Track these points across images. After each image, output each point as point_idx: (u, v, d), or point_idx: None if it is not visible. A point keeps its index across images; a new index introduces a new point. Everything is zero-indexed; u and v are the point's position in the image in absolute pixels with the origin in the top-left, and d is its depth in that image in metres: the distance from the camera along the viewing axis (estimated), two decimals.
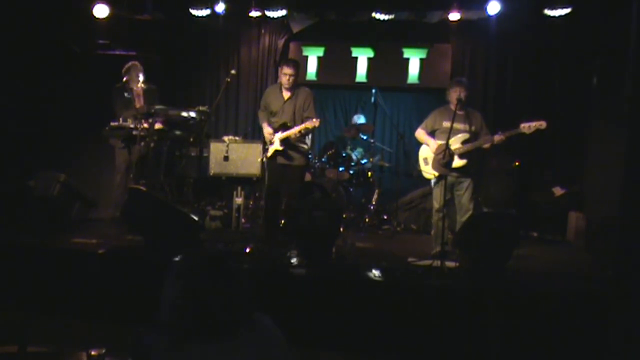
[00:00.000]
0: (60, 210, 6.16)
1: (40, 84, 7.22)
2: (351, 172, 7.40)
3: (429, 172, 5.76)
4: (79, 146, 7.38)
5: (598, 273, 5.25)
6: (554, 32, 7.25)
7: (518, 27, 7.46)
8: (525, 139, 5.55)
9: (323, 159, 7.50)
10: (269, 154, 5.85)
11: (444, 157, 5.44)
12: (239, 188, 6.86)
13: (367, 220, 7.34)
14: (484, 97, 7.82)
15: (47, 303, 4.76)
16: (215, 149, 6.78)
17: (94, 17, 7.15)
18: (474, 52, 8.06)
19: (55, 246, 5.36)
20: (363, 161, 7.59)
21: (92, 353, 2.74)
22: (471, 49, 8.07)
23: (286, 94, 5.86)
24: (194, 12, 7.58)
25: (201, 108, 6.39)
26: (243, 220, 6.86)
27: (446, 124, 5.52)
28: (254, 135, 7.91)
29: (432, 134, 5.78)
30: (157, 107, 6.29)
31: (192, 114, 6.39)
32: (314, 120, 5.61)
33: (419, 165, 5.90)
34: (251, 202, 7.19)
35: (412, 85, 8.42)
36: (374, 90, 7.34)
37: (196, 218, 5.81)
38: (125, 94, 6.55)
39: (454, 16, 7.33)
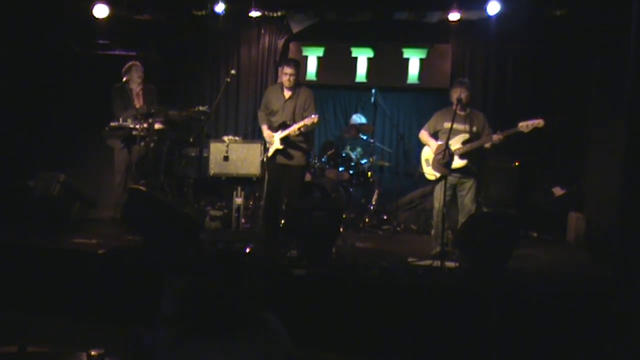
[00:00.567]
0: (60, 210, 6.17)
1: (40, 84, 7.22)
2: (351, 172, 7.40)
3: (430, 173, 5.77)
4: (79, 146, 7.38)
5: (598, 273, 5.26)
6: (554, 32, 7.25)
7: (518, 27, 7.45)
8: (525, 138, 5.55)
9: (323, 159, 7.50)
10: (270, 153, 5.86)
11: (443, 157, 5.44)
12: (239, 188, 6.86)
13: (367, 220, 7.34)
14: (484, 97, 7.81)
15: (47, 303, 4.76)
16: (215, 149, 6.78)
17: (94, 17, 7.15)
18: (474, 52, 8.06)
19: (55, 246, 5.35)
20: (363, 161, 7.59)
21: (92, 353, 2.74)
22: (471, 49, 8.07)
23: (287, 94, 5.87)
24: (194, 12, 7.58)
25: (201, 108, 6.40)
26: (243, 220, 6.86)
27: (447, 125, 5.52)
28: (254, 135, 7.91)
29: (435, 135, 5.79)
30: (157, 107, 6.29)
31: (192, 114, 6.40)
32: (313, 116, 5.62)
33: (421, 167, 5.91)
34: (251, 202, 7.19)
35: (412, 85, 8.41)
36: (373, 91, 7.34)
37: (196, 218, 5.83)
38: (125, 94, 6.55)
39: (454, 16, 7.33)
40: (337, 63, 8.55)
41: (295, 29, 8.30)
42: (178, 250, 5.09)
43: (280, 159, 5.84)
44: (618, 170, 5.17)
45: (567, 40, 7.15)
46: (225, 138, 6.89)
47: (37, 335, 4.03)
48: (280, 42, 8.45)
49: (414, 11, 7.62)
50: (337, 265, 5.16)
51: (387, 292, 4.52)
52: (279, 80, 6.03)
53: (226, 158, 6.73)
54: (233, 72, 6.80)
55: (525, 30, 7.50)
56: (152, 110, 6.15)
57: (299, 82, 6.01)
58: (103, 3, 7.10)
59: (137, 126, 6.13)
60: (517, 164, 7.28)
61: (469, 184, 5.66)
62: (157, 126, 6.24)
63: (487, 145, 5.53)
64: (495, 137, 5.45)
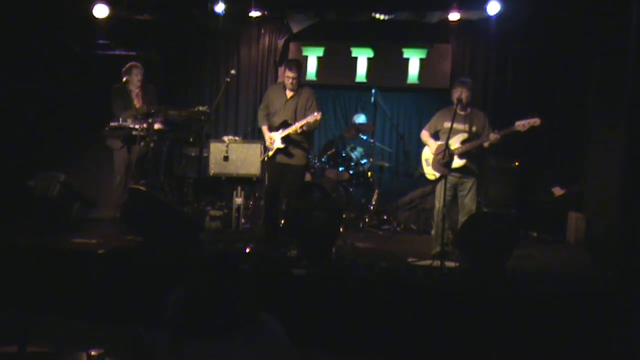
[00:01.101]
0: (60, 210, 6.16)
1: (40, 84, 7.22)
2: (351, 172, 7.40)
3: (430, 173, 5.78)
4: (79, 146, 7.37)
5: (598, 273, 5.25)
6: (553, 32, 7.25)
7: (518, 27, 7.45)
8: (525, 138, 5.55)
9: (323, 159, 7.50)
10: (271, 153, 5.85)
11: (443, 157, 5.45)
12: (239, 188, 6.87)
13: (367, 220, 7.34)
14: (483, 97, 7.81)
15: (47, 303, 4.76)
16: (215, 149, 6.78)
17: (94, 17, 7.15)
18: (474, 52, 8.06)
19: (55, 246, 5.35)
20: (363, 161, 7.59)
21: (92, 353, 2.74)
22: (471, 49, 8.07)
23: (289, 94, 5.88)
24: (194, 12, 7.58)
25: (201, 108, 6.40)
26: (243, 220, 6.86)
27: (447, 125, 5.52)
28: (254, 135, 7.91)
29: (435, 134, 5.79)
30: (157, 107, 6.29)
31: (192, 114, 6.40)
32: (315, 114, 5.61)
33: (421, 168, 5.92)
34: (251, 202, 7.19)
35: (412, 85, 8.41)
36: (373, 91, 7.34)
37: (196, 218, 5.83)
38: (125, 94, 6.55)
39: (454, 16, 7.34)
40: (337, 63, 8.55)
41: (295, 29, 8.29)
42: (178, 250, 5.10)
43: (281, 158, 5.83)
44: (618, 170, 5.17)
45: (567, 40, 7.15)
46: (225, 138, 6.89)
47: (37, 335, 4.04)
48: (280, 42, 8.45)
49: (414, 11, 7.62)
50: (337, 265, 5.16)
51: (387, 292, 4.51)
52: (279, 80, 6.02)
53: (226, 158, 6.73)
54: (233, 72, 6.81)
55: (525, 30, 7.50)
56: (152, 110, 6.15)
57: (301, 83, 6.01)
58: (103, 3, 7.10)
59: (137, 126, 6.13)
60: (517, 164, 7.28)
61: (469, 183, 5.66)
62: (157, 126, 6.24)
63: (486, 144, 5.53)
64: (493, 137, 5.45)
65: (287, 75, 5.79)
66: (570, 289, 4.74)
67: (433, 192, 6.04)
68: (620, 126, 5.27)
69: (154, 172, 6.31)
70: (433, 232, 5.95)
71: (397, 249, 6.10)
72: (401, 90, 8.57)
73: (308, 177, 7.18)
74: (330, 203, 6.55)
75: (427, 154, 5.82)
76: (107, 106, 6.56)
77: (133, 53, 7.32)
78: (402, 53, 8.36)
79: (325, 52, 8.53)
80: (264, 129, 5.97)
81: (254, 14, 7.71)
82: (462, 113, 5.57)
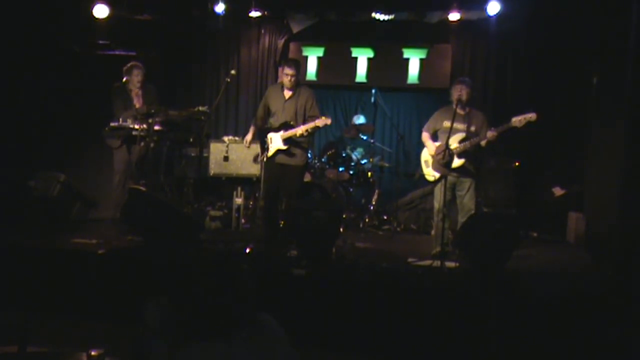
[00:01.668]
0: (60, 210, 6.16)
1: (40, 84, 7.22)
2: (351, 172, 7.40)
3: (429, 174, 5.77)
4: (79, 146, 7.38)
5: (598, 273, 5.25)
6: (554, 32, 7.25)
7: (518, 27, 7.45)
8: (524, 138, 5.55)
9: (323, 159, 7.50)
10: (270, 153, 5.81)
11: (443, 157, 5.44)
12: (239, 188, 6.87)
13: (367, 220, 7.34)
14: (483, 97, 7.81)
15: (47, 303, 4.76)
16: (215, 149, 6.78)
17: (94, 17, 7.15)
18: (474, 52, 8.06)
19: (55, 246, 5.35)
20: (363, 161, 7.59)
21: (92, 353, 2.74)
22: (471, 49, 8.07)
23: (287, 93, 5.85)
24: (194, 12, 7.58)
25: (201, 108, 6.39)
26: (243, 220, 6.86)
27: (446, 124, 5.52)
28: (254, 135, 7.89)
29: (434, 134, 5.79)
30: (157, 107, 6.28)
31: (192, 114, 6.39)
32: (324, 118, 5.57)
33: (420, 169, 5.91)
34: (251, 203, 7.18)
35: (412, 85, 8.41)
36: (374, 91, 7.34)
37: (196, 218, 5.83)
38: (125, 94, 6.54)
39: (454, 16, 7.34)
40: (337, 63, 8.55)
41: (295, 29, 8.30)
42: (178, 250, 5.10)
43: (280, 158, 5.82)
44: (618, 170, 5.17)
45: (567, 40, 7.15)
46: (225, 138, 6.89)
47: (37, 335, 4.03)
48: (280, 42, 8.45)
49: (414, 11, 7.62)
50: (337, 265, 5.16)
51: (387, 292, 4.52)
52: (279, 80, 6.01)
53: (226, 158, 6.73)
54: (233, 72, 6.80)
55: (525, 30, 7.50)
56: (152, 110, 6.15)
57: (300, 82, 6.00)
58: (103, 3, 7.10)
59: (137, 126, 6.13)
60: (517, 164, 7.28)
61: (468, 183, 5.65)
62: (157, 126, 6.23)
63: (483, 143, 5.50)
64: (490, 134, 5.42)
65: (286, 72, 5.75)
66: (570, 288, 4.74)
67: (433, 192, 6.03)
68: (620, 126, 5.27)
69: (154, 172, 6.31)
70: (433, 232, 5.94)
71: (397, 249, 6.10)
72: (401, 90, 8.57)
73: (308, 177, 7.18)
74: (330, 203, 6.55)
75: (426, 155, 5.82)
76: (107, 106, 6.55)
77: (133, 53, 7.31)
78: (402, 53, 8.36)
79: (325, 52, 8.53)
80: (251, 130, 6.03)
81: (254, 14, 7.71)
82: (462, 112, 5.57)
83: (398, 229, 7.15)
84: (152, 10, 7.77)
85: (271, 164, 5.88)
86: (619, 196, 4.88)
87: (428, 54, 8.32)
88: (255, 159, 6.57)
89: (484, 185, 6.90)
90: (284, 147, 5.72)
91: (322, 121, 5.56)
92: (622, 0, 5.20)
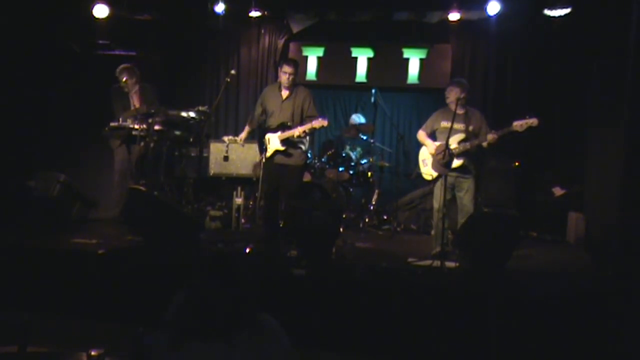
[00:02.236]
0: (60, 210, 6.16)
1: (40, 84, 7.22)
2: (351, 172, 7.39)
3: (428, 173, 5.77)
4: (79, 146, 7.37)
5: (598, 273, 5.25)
6: (553, 32, 7.25)
7: (518, 27, 7.46)
8: (524, 138, 5.55)
9: (323, 159, 7.50)
10: (269, 154, 5.81)
11: (443, 157, 5.45)
12: (239, 188, 6.86)
13: (367, 220, 7.34)
14: (483, 97, 7.81)
15: (47, 303, 4.76)
16: (215, 149, 6.78)
17: (94, 17, 7.15)
18: (474, 52, 8.06)
19: (55, 246, 5.35)
20: (363, 161, 7.58)
21: (92, 353, 2.74)
22: (471, 49, 8.07)
23: (284, 93, 5.83)
24: (194, 12, 7.58)
25: (201, 108, 6.39)
26: (243, 220, 6.86)
27: (445, 124, 5.52)
28: (254, 135, 7.89)
29: (432, 134, 5.79)
30: (157, 107, 6.28)
31: (192, 114, 6.40)
32: (321, 119, 5.55)
33: (418, 168, 5.91)
34: (251, 202, 7.19)
35: (412, 85, 8.42)
36: (373, 91, 7.34)
37: (196, 218, 5.83)
38: (123, 95, 6.54)
39: (454, 16, 7.34)
40: (337, 63, 8.55)
41: (295, 29, 8.30)
42: (178, 251, 5.10)
43: (279, 159, 5.81)
44: (618, 170, 5.17)
45: (567, 40, 7.15)
46: (225, 138, 6.88)
47: (37, 335, 4.03)
48: (280, 42, 8.45)
49: (414, 11, 7.62)
50: (337, 265, 5.16)
51: (387, 292, 4.52)
52: (278, 80, 5.99)
53: (226, 158, 6.73)
54: (233, 72, 6.79)
55: (525, 30, 7.50)
56: (152, 110, 6.15)
57: (297, 82, 5.99)
58: (103, 3, 7.10)
59: (137, 126, 6.13)
60: (517, 164, 7.28)
61: (467, 183, 5.66)
62: (157, 126, 6.23)
63: (484, 144, 5.52)
64: (490, 137, 5.45)
65: (285, 71, 5.71)
66: (570, 288, 4.74)
67: (433, 192, 6.03)
68: (620, 126, 5.27)
69: (154, 172, 6.31)
70: (433, 232, 5.95)
71: (397, 249, 6.10)
72: (401, 90, 8.58)
73: (308, 177, 7.18)
74: (330, 203, 6.54)
75: (424, 154, 5.82)
76: (107, 106, 6.56)
77: (133, 53, 7.31)
78: (402, 53, 8.36)
79: (325, 52, 8.54)
80: (246, 129, 6.04)
81: (254, 14, 7.71)
82: (460, 112, 5.57)
83: (398, 229, 7.15)
84: (152, 10, 7.77)
85: (270, 165, 5.87)
86: (619, 196, 4.88)
87: (428, 54, 8.33)
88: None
89: (484, 185, 6.90)
90: (282, 148, 5.72)
91: (319, 122, 5.54)
92: (622, 0, 5.20)
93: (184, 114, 6.40)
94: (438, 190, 5.68)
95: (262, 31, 8.54)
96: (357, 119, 7.96)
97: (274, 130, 5.77)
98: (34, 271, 4.96)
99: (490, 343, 4.14)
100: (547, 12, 6.85)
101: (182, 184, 6.80)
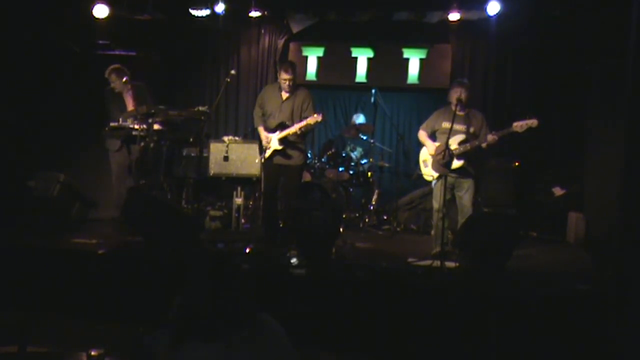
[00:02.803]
0: (60, 210, 6.16)
1: (40, 84, 7.22)
2: (351, 172, 7.40)
3: (428, 173, 5.77)
4: (79, 146, 7.37)
5: (598, 273, 5.25)
6: (553, 32, 7.25)
7: (518, 27, 7.45)
8: (524, 139, 5.54)
9: (323, 159, 7.50)
10: (267, 154, 5.84)
11: (443, 157, 5.45)
12: (239, 188, 6.86)
13: (367, 220, 7.34)
14: (483, 98, 7.81)
15: (47, 303, 4.76)
16: (215, 149, 6.78)
17: (94, 17, 7.14)
18: (473, 52, 8.06)
19: (55, 246, 5.35)
20: (363, 161, 7.59)
21: (92, 353, 2.74)
22: (471, 49, 8.06)
23: (285, 95, 5.85)
24: (194, 12, 7.58)
25: (201, 108, 6.39)
26: (243, 220, 6.86)
27: (445, 125, 5.52)
28: (254, 135, 7.86)
29: (432, 135, 5.79)
30: (157, 107, 6.28)
31: (192, 114, 6.39)
32: (315, 115, 5.58)
33: (419, 168, 5.91)
34: (251, 202, 7.19)
35: (411, 85, 8.42)
36: (373, 91, 7.34)
37: (196, 218, 5.83)
38: (116, 96, 6.51)
39: (454, 16, 7.33)
40: (337, 63, 8.55)
41: (295, 29, 8.29)
42: (178, 251, 5.10)
43: (278, 159, 5.82)
44: (618, 170, 5.16)
45: (567, 40, 7.15)
46: (225, 138, 6.88)
47: (37, 335, 4.04)
48: (280, 42, 8.45)
49: (414, 11, 7.62)
50: (337, 265, 5.16)
51: (387, 292, 4.52)
52: (278, 80, 5.99)
53: (226, 158, 6.73)
54: (233, 72, 6.79)
55: (525, 30, 7.50)
56: (152, 110, 6.14)
57: (298, 83, 6.00)
58: (103, 3, 7.09)
59: (137, 126, 6.12)
60: (517, 164, 7.28)
61: (467, 184, 5.66)
62: (156, 126, 6.23)
63: (484, 145, 5.52)
64: (490, 137, 5.46)
65: (282, 78, 5.74)
66: (570, 289, 4.74)
67: (432, 192, 6.03)
68: (620, 126, 5.27)
69: (154, 172, 6.31)
70: (433, 232, 5.94)
71: (397, 249, 6.10)
72: (401, 90, 8.58)
73: (308, 177, 7.19)
74: (330, 203, 6.55)
75: (425, 155, 5.82)
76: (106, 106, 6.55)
77: (133, 53, 7.31)
78: (402, 53, 8.36)
79: (325, 52, 8.53)
80: (261, 129, 5.95)
81: (254, 14, 7.71)
82: (461, 113, 5.57)
83: (398, 229, 7.15)
84: (153, 10, 7.76)
85: (269, 165, 5.89)
86: (619, 196, 4.87)
87: (428, 54, 8.32)
88: None
89: (484, 185, 6.90)
90: (279, 148, 5.73)
91: (313, 119, 5.56)
92: (621, 0, 5.19)
93: (184, 114, 6.39)
94: (438, 190, 5.68)
95: (262, 31, 8.53)
96: (357, 119, 7.96)
97: (273, 131, 5.79)
98: (34, 271, 4.97)
99: (490, 343, 4.14)
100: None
101: (182, 184, 6.80)
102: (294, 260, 5.07)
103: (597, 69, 6.57)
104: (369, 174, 7.59)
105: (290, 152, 5.79)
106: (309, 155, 7.03)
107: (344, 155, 7.48)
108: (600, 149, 6.38)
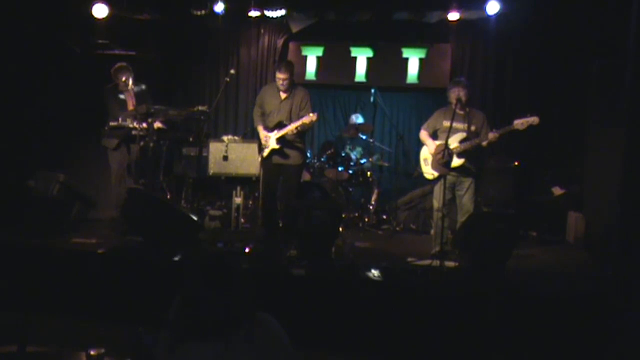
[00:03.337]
0: (60, 210, 6.15)
1: (39, 84, 7.21)
2: (350, 172, 7.40)
3: (429, 172, 5.77)
4: (79, 146, 7.37)
5: (598, 273, 5.26)
6: (553, 32, 7.25)
7: (518, 27, 7.45)
8: (524, 138, 5.55)
9: (322, 159, 7.50)
10: (265, 154, 5.84)
11: (443, 156, 5.45)
12: (239, 188, 6.86)
13: (366, 220, 7.34)
14: (483, 97, 7.81)
15: (47, 303, 4.76)
16: (215, 149, 6.78)
17: (94, 17, 7.14)
18: (473, 52, 8.06)
19: (55, 246, 5.35)
20: (362, 161, 7.59)
21: (92, 353, 2.74)
22: (470, 49, 8.06)
23: (283, 94, 5.87)
24: (194, 12, 7.57)
25: (201, 108, 6.39)
26: (242, 220, 6.86)
27: (446, 124, 5.53)
28: (253, 135, 7.86)
29: (434, 133, 5.79)
30: (157, 107, 6.28)
31: (192, 114, 6.39)
32: (311, 114, 5.60)
33: (420, 167, 5.92)
34: (250, 202, 7.18)
35: (411, 85, 8.42)
36: (373, 90, 7.34)
37: (195, 218, 5.82)
38: (117, 95, 6.51)
39: (454, 16, 7.33)
40: (336, 63, 8.55)
41: (295, 28, 8.29)
42: (178, 250, 5.10)
43: (277, 159, 5.83)
44: (617, 170, 5.17)
45: (567, 40, 7.15)
46: (225, 138, 6.88)
47: (37, 335, 4.04)
48: (280, 42, 8.44)
49: (413, 11, 7.62)
50: (337, 265, 5.16)
51: (387, 292, 4.52)
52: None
53: (225, 158, 6.73)
54: (232, 72, 6.80)
55: (525, 30, 7.50)
56: (152, 110, 6.14)
57: (295, 82, 6.00)
58: (103, 3, 7.09)
59: (137, 126, 6.12)
60: (516, 164, 7.27)
61: (467, 183, 5.66)
62: (156, 126, 6.23)
63: (484, 143, 5.52)
64: (491, 135, 5.45)
65: (278, 77, 5.78)
66: (570, 288, 4.74)
67: (432, 191, 6.04)
68: (620, 126, 5.27)
69: (154, 172, 6.31)
70: (432, 231, 5.95)
71: (396, 249, 6.10)
72: (400, 90, 8.58)
73: (308, 176, 7.19)
74: (330, 203, 6.55)
75: (426, 153, 5.82)
76: (106, 106, 6.54)
77: (133, 53, 7.30)
78: (401, 53, 8.36)
79: (324, 52, 8.53)
80: (260, 128, 5.95)
81: (254, 14, 7.71)
82: (461, 112, 5.57)
83: (397, 229, 7.15)
84: (152, 10, 7.76)
85: (268, 165, 5.90)
86: (619, 196, 4.88)
87: (427, 54, 8.32)
88: None
89: (484, 185, 6.90)
90: (277, 147, 5.74)
91: (308, 118, 5.59)
92: (622, 0, 5.20)
93: (184, 113, 6.39)
94: (438, 189, 5.68)
95: (262, 31, 8.53)
96: (357, 118, 7.96)
97: (272, 130, 5.80)
98: (34, 271, 4.97)
99: (490, 342, 4.14)
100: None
101: (182, 184, 6.80)
102: (293, 260, 5.07)
103: (596, 69, 6.57)
104: (369, 173, 7.58)
105: (289, 151, 5.80)
106: (308, 154, 7.02)
107: (343, 154, 7.48)
108: (599, 148, 6.38)
